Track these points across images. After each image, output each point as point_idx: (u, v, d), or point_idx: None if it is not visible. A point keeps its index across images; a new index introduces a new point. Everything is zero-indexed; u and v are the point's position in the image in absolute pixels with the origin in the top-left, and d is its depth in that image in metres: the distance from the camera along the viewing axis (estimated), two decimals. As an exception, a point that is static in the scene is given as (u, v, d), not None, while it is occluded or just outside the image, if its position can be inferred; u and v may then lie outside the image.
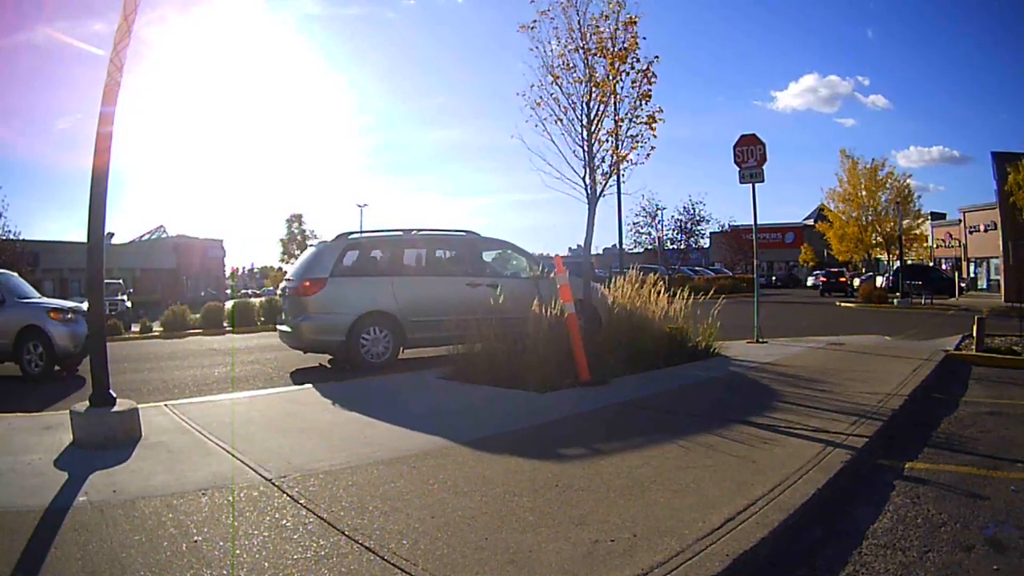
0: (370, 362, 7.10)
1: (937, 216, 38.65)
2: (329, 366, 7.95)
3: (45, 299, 9.14)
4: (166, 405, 5.03)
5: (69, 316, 8.29)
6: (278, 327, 8.30)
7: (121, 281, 31.13)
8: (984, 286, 32.38)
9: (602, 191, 6.45)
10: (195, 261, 54.41)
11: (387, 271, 7.60)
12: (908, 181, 31.87)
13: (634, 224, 33.96)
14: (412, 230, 8.01)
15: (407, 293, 7.17)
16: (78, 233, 48.07)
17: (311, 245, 8.50)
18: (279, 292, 7.00)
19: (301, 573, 2.17)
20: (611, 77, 6.17)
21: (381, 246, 7.93)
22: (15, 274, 9.28)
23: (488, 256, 8.66)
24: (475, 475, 3.23)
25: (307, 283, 7.19)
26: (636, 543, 2.36)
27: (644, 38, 6.25)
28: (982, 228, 31.69)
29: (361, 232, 8.51)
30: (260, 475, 3.23)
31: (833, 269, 35.34)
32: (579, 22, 6.16)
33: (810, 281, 39.33)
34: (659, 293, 7.37)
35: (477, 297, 7.08)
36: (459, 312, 6.48)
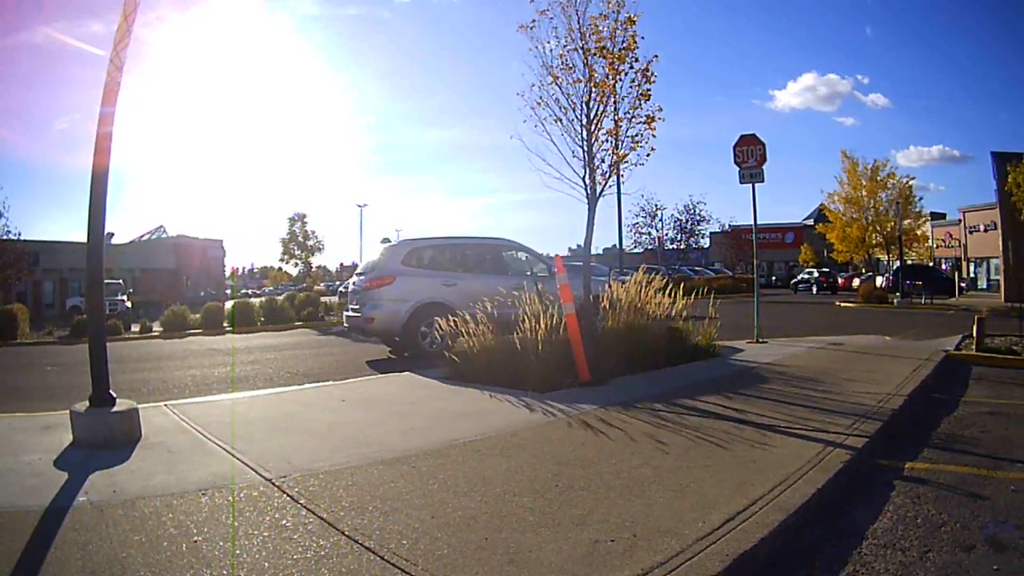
0: None
1: (937, 216, 38.64)
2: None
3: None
4: (166, 405, 5.03)
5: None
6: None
7: (121, 281, 31.17)
8: (984, 286, 32.39)
9: (602, 191, 6.44)
10: (195, 261, 54.51)
11: None
12: (909, 182, 31.94)
13: (634, 224, 34.13)
14: None
15: None
16: (78, 233, 48.08)
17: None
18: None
19: (301, 573, 2.17)
20: (610, 77, 6.16)
21: None
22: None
23: None
24: (475, 475, 3.22)
25: None
26: (636, 543, 2.36)
27: (643, 37, 6.26)
28: (982, 228, 31.72)
29: None
30: (260, 475, 3.23)
31: (823, 269, 35.76)
32: (578, 22, 6.17)
33: (803, 277, 37.18)
34: (658, 291, 7.36)
35: None
36: None
